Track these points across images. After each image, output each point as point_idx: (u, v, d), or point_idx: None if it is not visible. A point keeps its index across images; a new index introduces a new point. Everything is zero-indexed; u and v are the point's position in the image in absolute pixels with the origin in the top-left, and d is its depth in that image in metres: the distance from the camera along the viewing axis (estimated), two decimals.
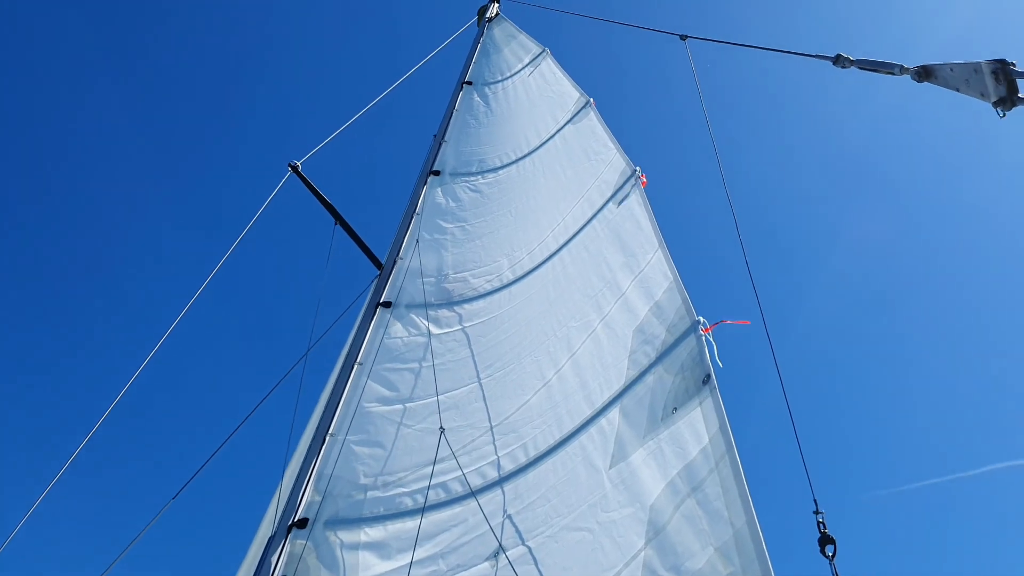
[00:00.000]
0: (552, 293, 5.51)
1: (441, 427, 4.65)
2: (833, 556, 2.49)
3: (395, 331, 6.13)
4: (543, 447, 4.46)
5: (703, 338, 3.86)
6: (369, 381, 5.65)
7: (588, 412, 4.40)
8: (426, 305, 6.06)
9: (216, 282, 5.64)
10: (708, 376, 3.65)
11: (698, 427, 3.54)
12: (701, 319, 3.97)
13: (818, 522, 2.59)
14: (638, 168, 5.46)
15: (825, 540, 2.53)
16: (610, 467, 3.97)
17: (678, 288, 4.31)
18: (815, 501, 2.61)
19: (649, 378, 4.11)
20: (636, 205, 5.11)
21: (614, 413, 4.22)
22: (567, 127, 6.88)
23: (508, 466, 4.53)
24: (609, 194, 5.49)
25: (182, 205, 19.65)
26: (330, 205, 6.23)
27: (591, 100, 7.07)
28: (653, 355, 4.17)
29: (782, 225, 21.73)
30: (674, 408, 3.80)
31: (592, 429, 4.29)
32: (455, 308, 6.18)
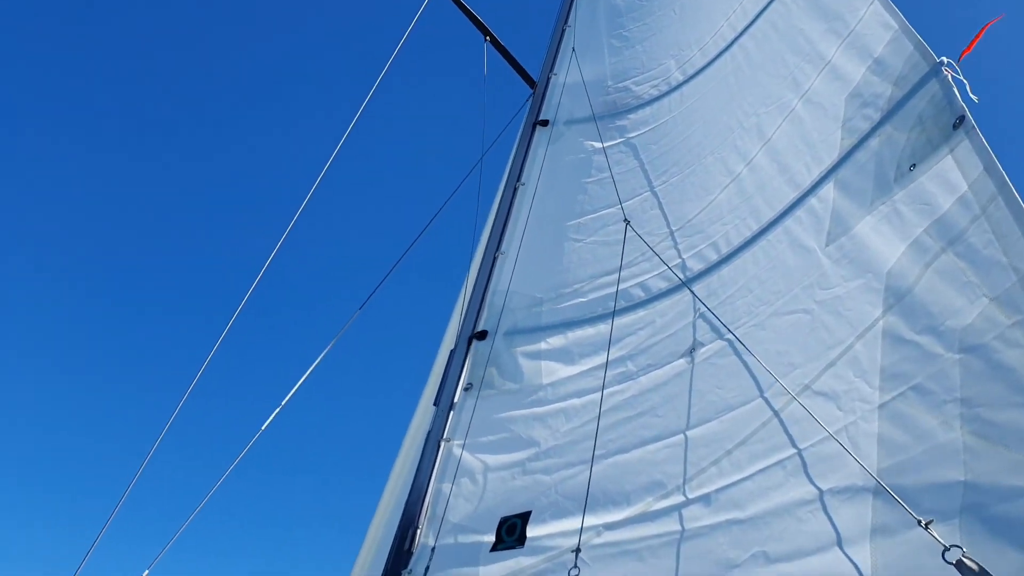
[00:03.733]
0: (733, 84, 4.89)
1: (626, 219, 4.33)
2: None
3: (554, 149, 5.82)
4: (737, 242, 4.04)
5: (947, 79, 3.18)
6: (533, 199, 5.44)
7: (792, 195, 3.89)
8: (591, 119, 5.65)
9: (370, 108, 5.49)
10: (962, 118, 3.01)
11: (950, 176, 2.96)
12: (944, 59, 3.27)
13: None
14: None
15: None
16: (827, 244, 3.48)
17: (906, 34, 3.58)
18: None
19: (873, 142, 3.51)
20: None
21: (827, 189, 3.68)
22: None
23: (696, 266, 4.16)
24: None
25: (330, 32, 19.41)
26: (478, 20, 5.83)
27: None
28: (876, 116, 3.54)
29: None
30: (912, 165, 3.21)
31: (799, 211, 3.79)
32: (617, 120, 5.73)
